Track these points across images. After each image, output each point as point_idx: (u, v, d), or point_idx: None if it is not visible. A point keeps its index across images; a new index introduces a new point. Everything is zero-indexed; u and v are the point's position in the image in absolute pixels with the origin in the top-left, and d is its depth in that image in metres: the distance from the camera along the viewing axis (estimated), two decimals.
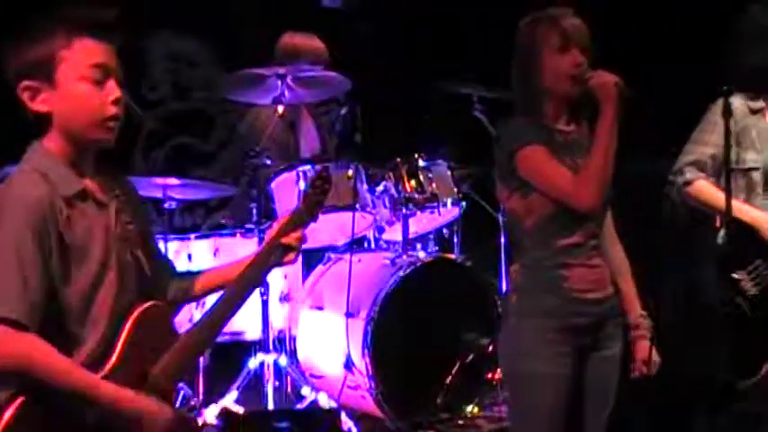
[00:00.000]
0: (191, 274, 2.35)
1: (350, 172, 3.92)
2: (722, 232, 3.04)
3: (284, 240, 2.28)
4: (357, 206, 3.93)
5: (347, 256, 3.98)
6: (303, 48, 4.30)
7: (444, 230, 4.58)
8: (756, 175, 3.09)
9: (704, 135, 3.12)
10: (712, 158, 3.08)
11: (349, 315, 3.81)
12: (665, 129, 3.30)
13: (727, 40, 3.20)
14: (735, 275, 3.01)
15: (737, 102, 3.09)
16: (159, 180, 3.94)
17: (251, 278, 2.26)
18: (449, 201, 4.16)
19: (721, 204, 2.87)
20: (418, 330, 3.84)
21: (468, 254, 4.36)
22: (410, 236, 4.25)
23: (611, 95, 2.42)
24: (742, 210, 3.02)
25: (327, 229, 3.96)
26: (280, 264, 2.33)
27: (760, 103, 3.12)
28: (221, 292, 2.26)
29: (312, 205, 2.35)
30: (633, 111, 2.47)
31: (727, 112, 2.67)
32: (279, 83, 3.90)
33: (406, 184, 4.07)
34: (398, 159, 4.12)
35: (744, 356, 2.99)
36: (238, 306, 2.26)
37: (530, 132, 2.48)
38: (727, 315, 2.92)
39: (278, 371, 3.89)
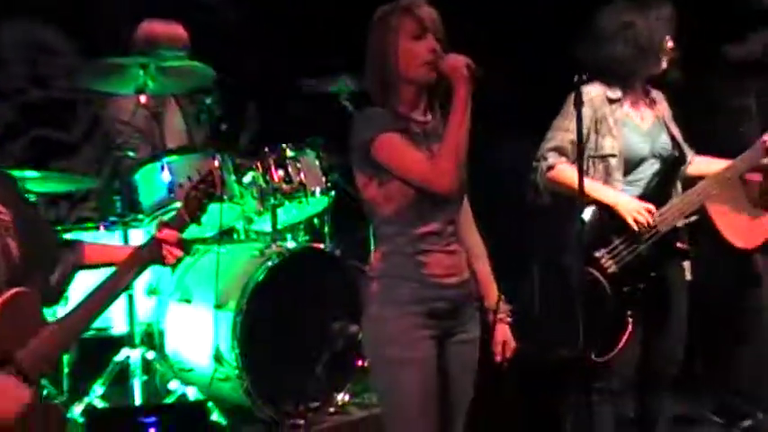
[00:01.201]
0: (78, 243, 2.37)
1: (216, 162, 3.88)
2: (583, 214, 3.16)
3: (163, 239, 2.31)
4: (224, 197, 3.89)
5: (215, 248, 3.95)
6: (161, 36, 4.21)
7: (315, 220, 4.59)
8: (614, 161, 3.23)
9: (564, 122, 3.24)
10: (572, 144, 3.19)
11: (217, 307, 3.78)
12: (529, 116, 3.40)
13: (589, 29, 3.32)
14: (596, 254, 3.14)
15: (596, 90, 3.22)
16: (16, 172, 3.81)
17: (125, 273, 2.27)
18: (317, 190, 4.16)
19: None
20: (288, 320, 3.83)
21: (339, 243, 4.39)
22: (280, 226, 4.24)
23: (463, 77, 2.46)
24: (601, 192, 3.16)
25: None
26: (159, 262, 2.35)
27: (618, 93, 3.26)
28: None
29: (194, 207, 2.36)
30: (498, 97, 2.53)
31: (580, 101, 2.77)
32: (141, 72, 3.83)
33: (274, 174, 4.04)
34: (266, 149, 4.10)
35: (601, 335, 3.12)
36: (110, 300, 2.27)
37: (385, 121, 2.51)
38: (589, 294, 3.02)
39: (145, 365, 3.83)
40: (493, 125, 4.69)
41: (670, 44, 3.25)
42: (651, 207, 3.18)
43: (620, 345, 3.15)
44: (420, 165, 2.48)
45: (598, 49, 3.27)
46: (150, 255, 2.35)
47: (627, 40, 3.21)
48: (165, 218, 2.39)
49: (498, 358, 2.76)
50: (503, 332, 2.76)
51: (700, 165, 3.40)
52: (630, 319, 3.15)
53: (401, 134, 2.50)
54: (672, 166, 3.31)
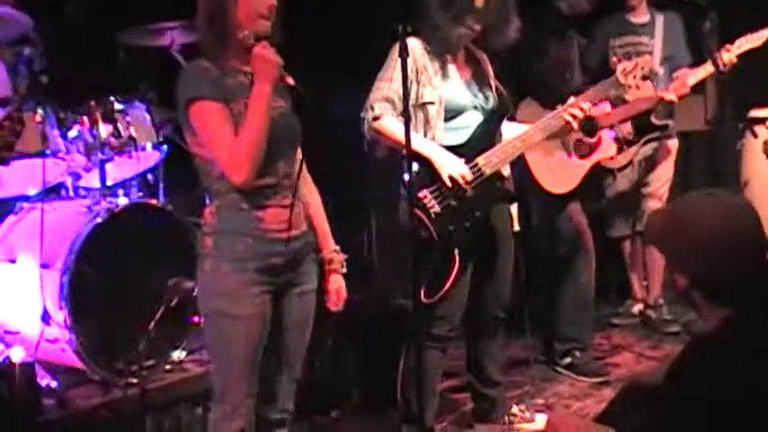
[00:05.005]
0: None
1: (38, 116, 3.70)
2: (407, 163, 3.20)
3: None
4: (48, 152, 3.73)
5: (40, 205, 3.78)
6: None
7: (149, 176, 4.46)
8: (432, 109, 3.30)
9: (389, 72, 3.29)
10: (398, 94, 3.24)
11: (44, 266, 3.63)
12: (370, 65, 3.41)
13: None
14: (419, 194, 3.20)
15: (415, 42, 3.27)
16: None
17: None
18: (148, 145, 4.05)
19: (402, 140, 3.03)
20: (120, 278, 3.73)
21: (176, 198, 4.29)
22: (110, 182, 4.11)
23: (270, 76, 2.45)
24: (422, 145, 3.23)
25: (16, 177, 3.75)
26: None
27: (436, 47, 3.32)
28: None
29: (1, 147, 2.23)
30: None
31: (404, 52, 2.80)
32: None
33: (102, 129, 3.91)
34: (92, 102, 3.94)
35: (431, 276, 3.20)
36: None
37: (206, 83, 2.47)
38: (417, 236, 3.06)
39: None
40: (332, 74, 4.72)
41: (475, 25, 3.29)
42: (467, 171, 3.25)
43: (450, 282, 3.23)
44: (221, 149, 2.45)
45: (420, 8, 3.31)
46: None
47: (440, 6, 3.25)
48: None
49: (332, 307, 2.81)
50: (336, 281, 2.81)
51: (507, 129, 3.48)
52: (458, 258, 3.23)
53: (218, 102, 2.45)
54: (494, 118, 3.41)
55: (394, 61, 3.25)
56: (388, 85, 3.27)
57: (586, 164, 4.20)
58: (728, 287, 1.90)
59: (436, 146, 3.27)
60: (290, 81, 2.49)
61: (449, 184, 3.23)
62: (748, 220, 1.92)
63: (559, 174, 4.16)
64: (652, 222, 2.12)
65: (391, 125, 3.25)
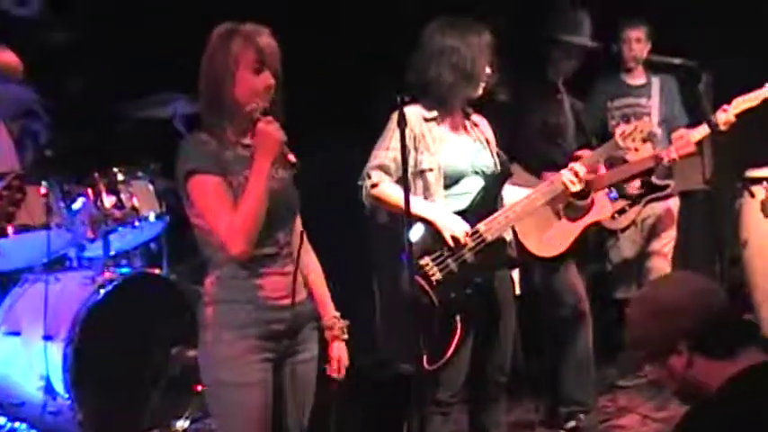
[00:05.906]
0: None
1: (42, 188, 3.75)
2: (410, 231, 3.23)
3: None
4: (52, 224, 3.78)
5: (44, 277, 3.82)
6: None
7: (152, 245, 4.50)
8: (431, 176, 3.33)
9: (386, 141, 3.32)
10: (395, 162, 3.27)
11: (47, 338, 3.65)
12: (371, 132, 3.46)
13: (411, 53, 3.42)
14: (421, 262, 3.21)
15: (413, 110, 3.32)
16: None
17: None
18: (151, 215, 4.10)
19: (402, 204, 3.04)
20: (123, 348, 3.75)
21: (178, 267, 4.31)
22: (114, 252, 4.14)
23: (271, 150, 2.47)
24: (422, 208, 3.25)
25: (21, 249, 3.78)
26: None
27: (433, 113, 3.37)
28: None
29: (0, 217, 2.23)
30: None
31: (403, 121, 2.84)
32: None
33: (105, 200, 3.96)
34: (96, 174, 4.00)
35: (432, 343, 3.19)
36: None
37: (204, 156, 2.49)
38: (418, 303, 3.07)
39: None
40: (332, 141, 4.77)
41: (488, 71, 3.37)
42: (467, 228, 3.29)
43: (452, 349, 3.22)
44: (218, 222, 2.46)
45: (419, 71, 3.37)
46: None
47: (449, 64, 3.32)
48: None
49: (332, 374, 2.80)
50: (337, 349, 2.80)
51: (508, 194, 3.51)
52: (460, 324, 3.23)
53: (216, 176, 2.48)
54: (495, 183, 3.44)
55: (391, 131, 3.29)
56: (384, 153, 3.31)
57: (577, 227, 4.18)
58: (722, 333, 1.96)
59: (437, 207, 3.29)
60: (292, 158, 2.52)
61: (451, 243, 3.25)
62: (704, 280, 2.07)
63: (548, 237, 4.14)
64: (629, 328, 2.14)
65: (390, 190, 3.28)
